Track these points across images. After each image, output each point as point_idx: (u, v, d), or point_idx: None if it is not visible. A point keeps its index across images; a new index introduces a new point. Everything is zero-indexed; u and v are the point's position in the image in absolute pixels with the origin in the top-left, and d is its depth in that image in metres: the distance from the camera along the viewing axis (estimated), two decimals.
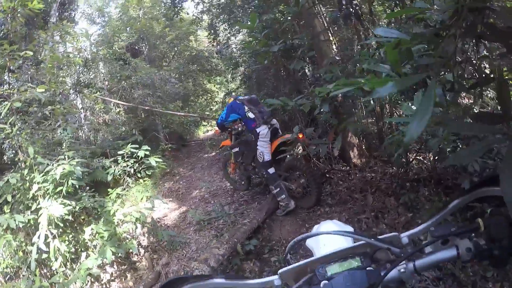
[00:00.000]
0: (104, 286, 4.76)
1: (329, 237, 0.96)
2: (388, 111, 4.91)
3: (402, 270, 0.78)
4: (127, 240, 4.80)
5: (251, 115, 4.74)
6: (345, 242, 0.93)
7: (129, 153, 5.22)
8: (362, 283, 0.75)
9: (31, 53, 5.27)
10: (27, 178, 4.52)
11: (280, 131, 4.84)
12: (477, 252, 0.73)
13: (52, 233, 4.32)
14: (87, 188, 5.19)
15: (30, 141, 4.68)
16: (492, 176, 0.81)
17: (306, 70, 4.67)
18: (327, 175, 5.26)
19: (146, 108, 9.01)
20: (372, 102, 4.82)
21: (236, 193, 6.25)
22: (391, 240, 0.85)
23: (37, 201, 4.43)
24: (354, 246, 0.86)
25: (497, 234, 0.71)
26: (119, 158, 5.28)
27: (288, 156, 4.44)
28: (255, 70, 7.73)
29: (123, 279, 4.89)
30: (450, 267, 2.82)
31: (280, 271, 0.86)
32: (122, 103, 8.96)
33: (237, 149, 5.60)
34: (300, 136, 4.18)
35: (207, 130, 12.58)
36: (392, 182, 4.38)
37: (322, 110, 3.40)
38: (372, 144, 5.30)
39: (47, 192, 4.41)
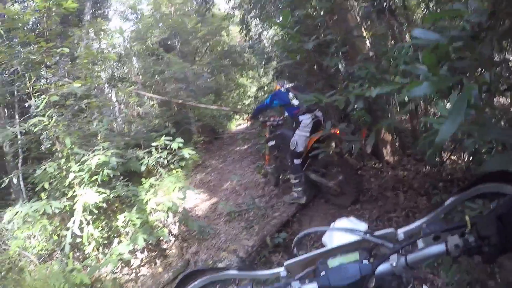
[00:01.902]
0: (134, 270, 4.96)
1: (341, 233, 1.01)
2: (422, 108, 4.84)
3: (393, 264, 0.80)
4: (159, 228, 4.98)
5: (295, 102, 4.67)
6: (352, 238, 0.97)
7: (163, 144, 5.37)
8: (355, 275, 0.80)
9: (67, 50, 5.53)
10: (64, 167, 4.77)
11: (322, 121, 4.69)
12: (466, 249, 0.74)
13: (86, 219, 4.54)
14: (121, 177, 5.40)
15: (67, 133, 4.90)
16: (490, 172, 0.83)
17: (340, 66, 4.63)
18: (359, 172, 5.25)
19: (179, 101, 9.20)
20: (406, 99, 4.77)
21: (267, 187, 6.33)
22: (386, 236, 0.90)
23: (73, 189, 4.67)
24: (353, 241, 0.92)
25: (485, 231, 0.71)
26: (153, 149, 5.43)
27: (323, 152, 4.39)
28: (287, 65, 7.73)
29: (153, 265, 5.08)
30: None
31: (285, 263, 0.95)
32: (156, 96, 9.18)
33: (273, 143, 5.49)
34: (337, 131, 4.12)
35: (239, 124, 12.67)
36: (424, 182, 4.33)
37: (356, 106, 3.40)
38: (405, 142, 5.23)
39: (83, 180, 4.64)
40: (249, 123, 6.74)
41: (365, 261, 0.85)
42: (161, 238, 5.05)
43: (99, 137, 5.67)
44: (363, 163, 5.29)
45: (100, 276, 4.72)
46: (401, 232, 0.91)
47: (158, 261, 5.11)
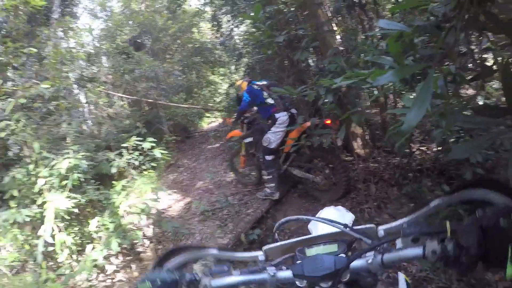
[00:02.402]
0: (110, 276, 4.83)
1: (324, 222, 1.01)
2: (392, 101, 4.90)
3: (369, 261, 0.80)
4: (132, 232, 4.85)
5: (270, 100, 4.63)
6: (335, 230, 0.97)
7: (134, 145, 5.24)
8: (329, 267, 0.80)
9: (35, 50, 5.32)
10: (33, 173, 4.56)
11: (295, 118, 4.64)
12: (442, 256, 0.72)
13: (58, 226, 4.39)
14: (92, 181, 5.25)
15: (35, 137, 4.74)
16: (478, 179, 0.84)
17: (310, 61, 4.65)
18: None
19: (150, 101, 9.03)
20: (376, 92, 4.82)
21: (240, 184, 6.28)
22: (366, 231, 0.90)
23: (43, 195, 4.47)
24: (333, 233, 0.93)
25: (465, 241, 0.69)
26: (124, 150, 5.29)
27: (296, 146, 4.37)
28: (259, 61, 7.71)
29: (128, 270, 4.95)
30: None
31: (264, 247, 0.98)
32: (126, 96, 8.98)
33: (250, 139, 5.33)
34: (328, 121, 4.14)
35: (211, 121, 12.55)
36: (395, 173, 4.39)
37: (326, 100, 3.41)
38: (375, 135, 5.30)
39: (53, 186, 4.46)
40: (229, 122, 6.54)
41: (342, 254, 0.85)
42: (136, 241, 4.93)
43: (68, 140, 5.47)
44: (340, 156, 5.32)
45: (75, 285, 4.57)
46: (381, 229, 0.92)
47: (133, 266, 4.98)
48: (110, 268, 4.86)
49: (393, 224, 0.91)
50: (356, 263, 0.81)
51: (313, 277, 0.81)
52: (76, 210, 4.70)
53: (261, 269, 0.91)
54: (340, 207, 1.32)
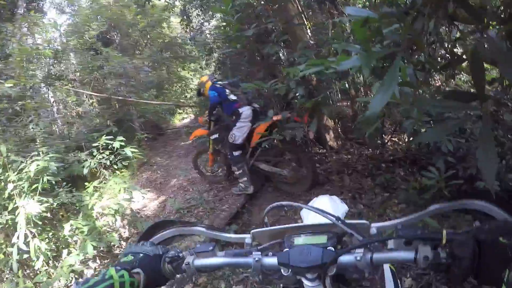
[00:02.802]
0: None
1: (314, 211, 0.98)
2: (363, 94, 4.95)
3: (358, 257, 0.77)
4: (108, 234, 4.73)
5: (233, 97, 4.72)
6: (327, 221, 0.93)
7: (104, 144, 5.10)
8: (316, 259, 0.78)
9: None
10: (1, 178, 4.39)
11: (258, 112, 4.75)
12: (434, 263, 0.71)
13: (31, 232, 4.23)
14: (64, 183, 5.10)
15: (2, 139, 4.59)
16: (480, 191, 0.82)
17: (281, 55, 4.62)
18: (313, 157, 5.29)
19: (120, 98, 8.81)
20: (346, 85, 4.85)
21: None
22: (358, 227, 0.87)
23: (14, 201, 4.31)
24: (323, 224, 0.89)
25: (459, 252, 0.68)
26: (94, 150, 5.14)
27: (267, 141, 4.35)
28: (229, 56, 7.64)
29: None
30: None
31: (252, 231, 0.95)
32: (95, 94, 8.71)
33: (216, 136, 5.28)
34: (279, 117, 4.09)
35: (182, 118, 12.38)
36: (368, 164, 4.44)
37: (297, 93, 3.39)
38: (347, 127, 5.34)
39: (23, 190, 4.30)
40: (193, 117, 6.66)
41: (330, 247, 0.82)
42: (112, 243, 4.81)
43: (37, 142, 5.28)
44: (307, 149, 5.33)
45: None
46: (374, 226, 0.89)
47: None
48: (88, 273, 4.75)
49: (387, 223, 0.90)
50: (344, 258, 0.79)
51: (298, 268, 0.79)
52: (48, 215, 4.58)
53: (247, 253, 0.89)
54: (334, 197, 1.29)
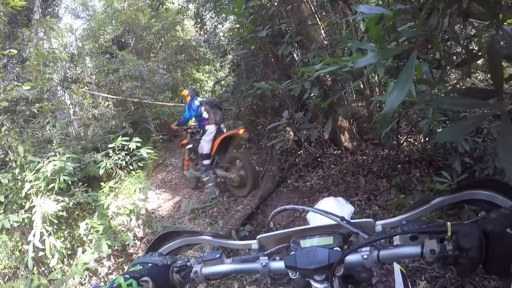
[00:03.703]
0: (102, 279, 4.76)
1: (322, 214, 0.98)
2: (378, 94, 4.91)
3: (365, 256, 0.78)
4: (122, 233, 4.79)
5: (205, 115, 5.50)
6: (332, 222, 0.94)
7: (120, 145, 5.16)
8: (323, 260, 0.78)
9: (15, 51, 5.21)
10: (19, 177, 4.49)
11: (223, 131, 5.59)
12: (441, 256, 0.71)
13: (47, 231, 4.31)
14: (80, 184, 5.17)
15: (20, 140, 4.68)
16: (480, 179, 0.81)
17: (295, 55, 4.62)
18: (319, 160, 5.28)
19: (135, 100, 8.91)
20: (361, 85, 4.83)
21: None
22: (363, 226, 0.87)
23: (30, 200, 4.40)
24: (329, 225, 0.91)
25: (465, 243, 0.67)
26: (110, 151, 5.21)
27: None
28: (243, 58, 7.67)
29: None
30: None
31: (258, 236, 0.95)
32: (111, 96, 8.83)
33: (190, 146, 6.02)
34: (241, 131, 5.16)
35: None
36: (383, 165, 4.40)
37: (311, 94, 3.39)
38: (362, 128, 5.31)
39: (40, 190, 4.38)
40: (174, 128, 7.03)
41: (337, 248, 0.83)
42: (126, 242, 4.86)
43: (54, 143, 5.38)
44: (322, 150, 5.32)
45: None
46: (379, 224, 0.90)
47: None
48: (102, 271, 4.81)
49: (392, 220, 0.90)
50: (351, 258, 0.79)
51: (306, 270, 0.80)
52: (64, 214, 4.64)
53: (254, 259, 0.90)
54: (340, 198, 1.31)
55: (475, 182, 0.82)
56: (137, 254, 5.14)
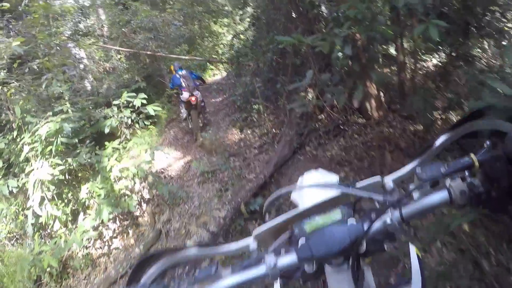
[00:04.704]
0: (106, 243, 4.44)
1: (314, 189, 0.82)
2: (413, 61, 4.17)
3: (388, 221, 0.63)
4: (126, 197, 4.34)
5: (183, 84, 6.82)
6: (330, 193, 0.77)
7: (125, 102, 4.61)
8: (343, 239, 0.63)
9: (8, 5, 4.67)
10: (18, 140, 4.19)
11: (200, 99, 6.87)
12: (473, 195, 0.59)
13: (46, 196, 3.97)
14: (88, 141, 4.80)
15: (19, 99, 4.40)
16: (481, 109, 0.70)
17: (323, 8, 3.88)
18: (341, 127, 4.65)
19: (148, 53, 8.23)
20: (394, 51, 4.11)
21: (243, 142, 5.69)
22: (373, 186, 0.73)
23: (30, 163, 4.08)
24: (332, 197, 0.74)
25: (495, 173, 0.57)
26: (115, 108, 4.66)
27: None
28: (264, 10, 6.85)
29: (125, 236, 4.55)
30: None
31: (254, 233, 0.78)
32: (122, 49, 8.14)
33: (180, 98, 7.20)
34: (192, 99, 6.56)
35: (214, 74, 11.64)
36: (412, 141, 3.74)
37: (342, 53, 2.72)
38: (392, 97, 4.57)
39: (39, 153, 4.02)
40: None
41: (351, 220, 0.67)
42: (135, 204, 4.47)
43: (65, 99, 4.92)
44: (346, 117, 4.67)
45: (72, 253, 4.19)
46: (389, 180, 0.74)
47: (130, 231, 4.59)
48: (107, 234, 4.48)
49: (402, 171, 0.75)
50: (373, 227, 0.64)
51: (326, 257, 0.64)
52: (66, 176, 4.32)
53: (257, 261, 0.70)
54: (321, 170, 1.03)
55: (474, 113, 0.71)
56: (142, 217, 4.75)
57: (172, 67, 7.35)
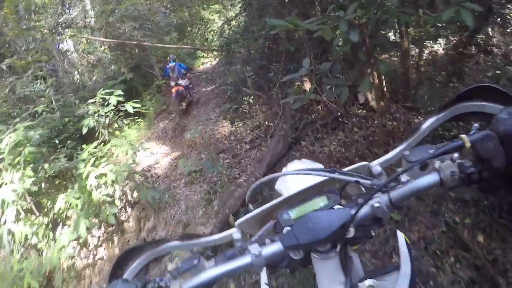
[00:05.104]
0: (91, 252, 3.95)
1: (297, 177, 0.75)
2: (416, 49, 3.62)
3: (376, 204, 0.57)
4: (107, 205, 3.80)
5: (171, 75, 7.49)
6: (314, 179, 0.68)
7: (101, 100, 4.03)
8: (330, 225, 0.57)
9: None
10: None
11: (187, 88, 7.63)
12: (464, 176, 0.54)
13: (18, 212, 3.49)
14: (69, 142, 4.27)
15: None
16: (471, 89, 0.64)
17: None
18: (340, 119, 4.12)
19: (134, 43, 7.56)
20: (396, 37, 3.56)
21: (234, 136, 5.14)
22: (359, 171, 0.68)
23: (1, 176, 3.59)
24: (318, 183, 0.68)
25: (486, 153, 0.52)
26: (90, 107, 4.09)
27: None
28: None
29: (110, 244, 4.05)
30: None
31: (237, 222, 0.72)
32: (106, 40, 7.47)
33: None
34: (173, 91, 7.13)
35: (204, 62, 10.98)
36: None
37: (347, 39, 2.16)
38: (395, 87, 4.01)
39: (9, 164, 3.53)
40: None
41: (337, 206, 0.62)
42: (117, 212, 3.97)
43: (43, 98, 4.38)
44: (344, 108, 4.11)
45: (55, 267, 3.69)
46: (376, 164, 0.68)
47: (115, 238, 4.10)
48: (93, 241, 4.02)
49: (388, 156, 0.68)
50: (361, 211, 0.58)
51: (312, 243, 0.56)
52: (42, 185, 3.82)
53: (241, 251, 0.63)
54: (305, 160, 0.92)
55: (460, 95, 0.66)
56: (128, 222, 4.24)
57: (168, 58, 7.86)
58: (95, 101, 4.05)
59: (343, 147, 3.74)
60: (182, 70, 7.57)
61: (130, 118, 6.36)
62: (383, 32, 2.50)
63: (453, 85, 3.52)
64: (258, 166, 3.91)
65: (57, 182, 4.10)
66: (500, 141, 0.52)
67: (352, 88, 2.94)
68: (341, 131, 3.99)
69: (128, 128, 6.64)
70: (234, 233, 0.71)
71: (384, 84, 3.79)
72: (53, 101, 4.76)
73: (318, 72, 2.88)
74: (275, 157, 3.99)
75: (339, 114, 4.10)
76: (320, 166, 0.88)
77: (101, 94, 4.04)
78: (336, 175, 0.65)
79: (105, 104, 4.06)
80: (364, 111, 4.01)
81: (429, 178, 0.57)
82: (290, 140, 4.15)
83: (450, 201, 2.72)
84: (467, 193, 2.62)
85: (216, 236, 0.74)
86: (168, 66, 7.52)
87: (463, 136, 0.55)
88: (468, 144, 0.54)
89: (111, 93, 4.02)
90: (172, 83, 7.39)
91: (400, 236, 0.80)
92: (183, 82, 7.44)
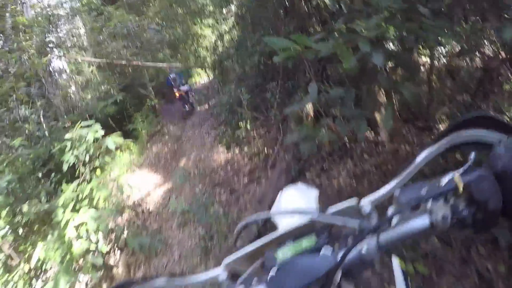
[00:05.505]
0: None
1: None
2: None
3: (363, 251, 0.52)
4: (90, 255, 3.21)
5: (174, 84, 8.16)
6: (303, 218, 0.61)
7: (78, 135, 3.47)
8: (316, 271, 0.52)
9: None
10: None
11: (188, 92, 8.53)
12: (457, 220, 0.47)
13: None
14: (52, 175, 3.90)
15: None
16: (469, 117, 0.56)
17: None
18: (347, 145, 3.56)
19: (123, 62, 7.00)
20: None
21: (230, 165, 4.57)
22: (348, 210, 0.59)
23: None
24: (305, 223, 0.60)
25: (482, 195, 0.45)
26: (68, 143, 3.53)
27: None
28: (250, 9, 5.68)
29: None
30: None
31: (224, 262, 0.64)
32: (91, 59, 6.92)
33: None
34: (176, 95, 8.20)
35: (200, 78, 10.44)
36: (436, 163, 2.65)
37: (367, 62, 1.61)
38: (405, 106, 3.44)
39: None
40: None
41: (326, 248, 0.55)
42: (106, 251, 3.42)
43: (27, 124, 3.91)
44: (352, 132, 3.55)
45: None
46: (366, 202, 0.58)
47: (104, 286, 3.51)
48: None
49: (380, 192, 0.57)
50: (348, 257, 0.51)
51: None
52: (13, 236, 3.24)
53: None
54: (300, 185, 0.80)
55: (455, 125, 0.57)
56: (117, 267, 3.67)
57: (167, 69, 9.04)
58: (72, 137, 3.48)
59: (353, 179, 3.18)
60: (182, 80, 8.58)
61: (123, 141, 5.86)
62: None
63: (477, 103, 2.97)
64: (258, 206, 3.36)
65: (35, 227, 3.53)
66: (496, 177, 0.46)
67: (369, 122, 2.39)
68: (349, 158, 3.43)
69: (120, 152, 6.08)
70: (219, 273, 0.63)
71: (396, 103, 3.24)
72: (40, 127, 4.21)
73: (326, 99, 2.30)
74: (277, 194, 3.43)
75: (346, 139, 3.55)
76: (315, 192, 0.79)
77: (80, 127, 3.48)
78: (320, 218, 0.59)
79: (82, 141, 3.49)
80: (373, 132, 3.45)
81: (419, 222, 0.50)
82: (293, 173, 3.58)
83: (479, 243, 2.18)
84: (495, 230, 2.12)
85: (202, 276, 0.65)
86: (169, 77, 8.44)
87: (456, 177, 0.48)
88: (461, 188, 0.47)
89: (88, 127, 3.47)
90: (175, 90, 8.30)
91: (395, 262, 0.80)
92: (184, 88, 8.43)
